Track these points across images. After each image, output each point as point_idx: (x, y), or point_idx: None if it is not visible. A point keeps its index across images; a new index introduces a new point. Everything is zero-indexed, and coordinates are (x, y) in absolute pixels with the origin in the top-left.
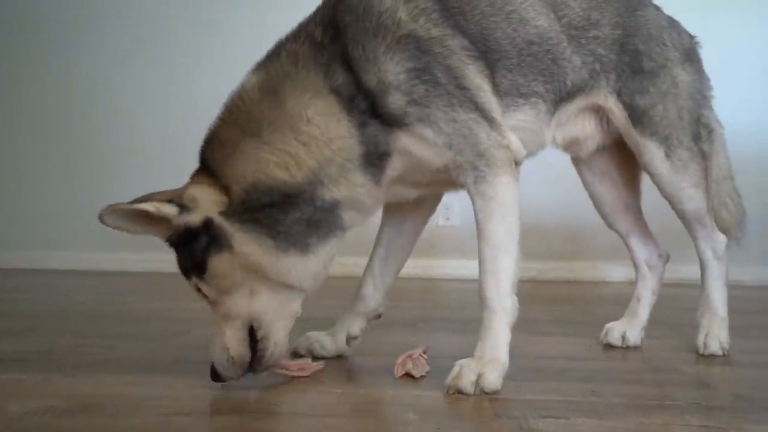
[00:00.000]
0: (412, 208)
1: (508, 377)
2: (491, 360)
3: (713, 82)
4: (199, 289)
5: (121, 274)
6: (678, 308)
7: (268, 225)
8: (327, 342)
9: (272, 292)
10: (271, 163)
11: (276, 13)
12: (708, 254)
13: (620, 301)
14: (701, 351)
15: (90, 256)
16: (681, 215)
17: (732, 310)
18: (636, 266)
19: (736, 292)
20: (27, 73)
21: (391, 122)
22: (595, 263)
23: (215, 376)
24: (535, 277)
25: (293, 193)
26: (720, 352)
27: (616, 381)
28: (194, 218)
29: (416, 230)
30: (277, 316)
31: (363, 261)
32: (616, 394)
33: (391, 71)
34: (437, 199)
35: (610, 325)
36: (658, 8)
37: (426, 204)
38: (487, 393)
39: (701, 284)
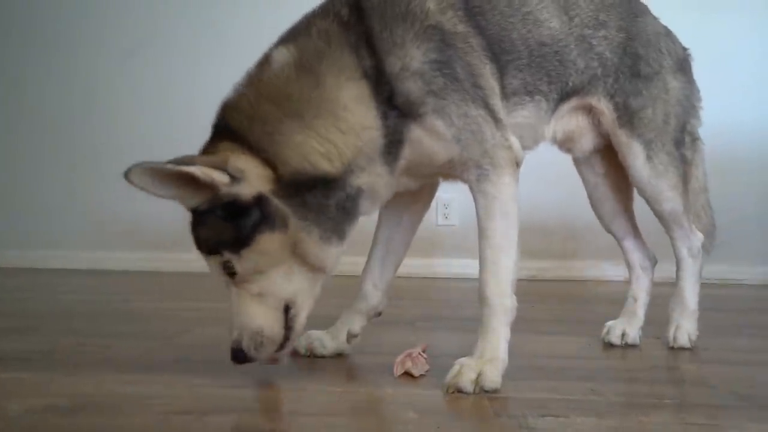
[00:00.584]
0: (408, 203)
1: (507, 376)
2: (491, 358)
3: (713, 80)
4: (226, 265)
5: (122, 273)
6: None
7: (314, 211)
8: (327, 340)
9: (307, 274)
10: (317, 154)
11: (276, 13)
12: (684, 252)
13: (619, 300)
14: (671, 344)
15: (90, 255)
16: (659, 215)
17: (730, 309)
18: (630, 268)
19: (734, 291)
20: (27, 72)
21: (406, 111)
22: (594, 262)
23: (241, 357)
24: (535, 276)
25: (330, 181)
26: (688, 345)
27: (615, 380)
28: (246, 191)
29: (413, 226)
30: (308, 296)
31: (362, 260)
32: (616, 392)
33: (417, 59)
34: (432, 193)
35: (610, 323)
36: (655, 18)
37: (422, 199)
38: (486, 391)
39: (676, 279)
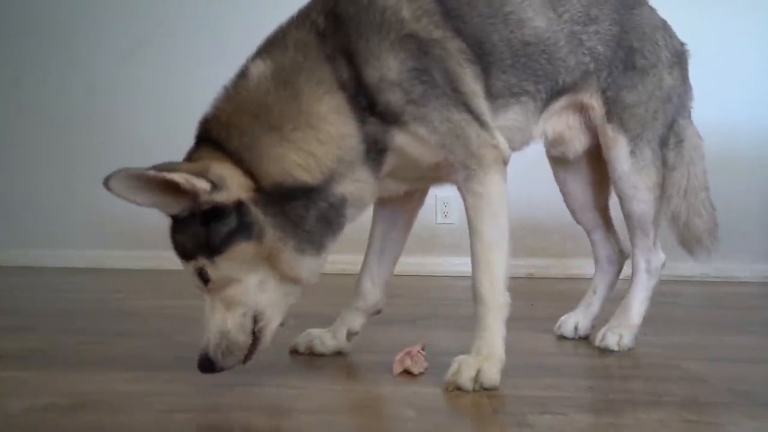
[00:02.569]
0: (401, 202)
1: (506, 374)
2: (489, 355)
3: (713, 78)
4: (200, 272)
5: (120, 271)
6: (674, 304)
7: (292, 222)
8: (327, 338)
9: (279, 285)
10: (296, 165)
11: (276, 13)
12: (642, 265)
13: (617, 298)
14: (597, 342)
15: (89, 254)
16: (627, 215)
17: (730, 307)
18: (596, 260)
19: (734, 288)
20: (26, 71)
21: (388, 120)
22: (592, 260)
23: (208, 365)
24: (533, 274)
25: (311, 191)
26: (615, 348)
27: (613, 377)
28: (225, 198)
29: (408, 224)
30: (279, 308)
31: (360, 258)
32: (614, 390)
33: (394, 69)
34: (425, 192)
35: (563, 317)
36: (653, 9)
37: (415, 198)
38: (486, 389)
39: (629, 289)
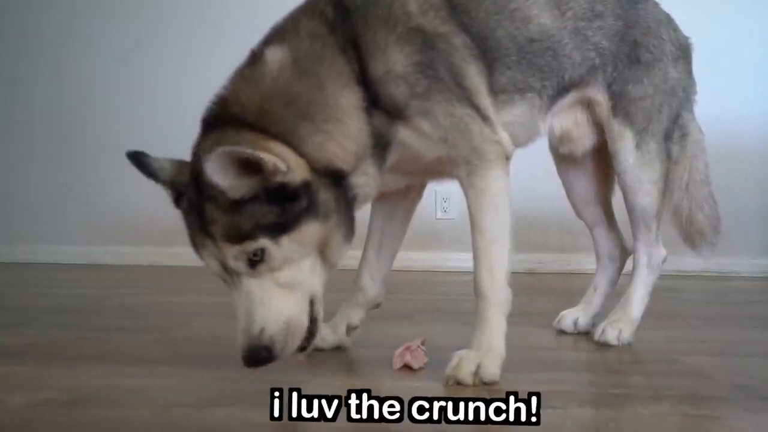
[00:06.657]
0: (400, 196)
1: (506, 368)
2: (489, 350)
3: (714, 72)
4: (254, 253)
5: (116, 267)
6: (674, 299)
7: (344, 207)
8: (327, 333)
9: (324, 268)
10: (335, 155)
11: (277, 14)
12: (643, 260)
13: (617, 294)
14: (596, 337)
15: (84, 250)
16: (631, 208)
17: (729, 302)
18: (598, 257)
19: (733, 283)
20: (20, 68)
21: (391, 113)
22: (592, 255)
23: (265, 356)
24: (534, 269)
25: (345, 180)
26: (615, 342)
27: (613, 372)
28: (295, 177)
29: (406, 218)
30: (322, 292)
31: (358, 253)
32: (614, 384)
33: (400, 62)
34: (423, 187)
35: (564, 312)
36: (656, 3)
37: (413, 192)
38: (486, 383)
39: (629, 284)
